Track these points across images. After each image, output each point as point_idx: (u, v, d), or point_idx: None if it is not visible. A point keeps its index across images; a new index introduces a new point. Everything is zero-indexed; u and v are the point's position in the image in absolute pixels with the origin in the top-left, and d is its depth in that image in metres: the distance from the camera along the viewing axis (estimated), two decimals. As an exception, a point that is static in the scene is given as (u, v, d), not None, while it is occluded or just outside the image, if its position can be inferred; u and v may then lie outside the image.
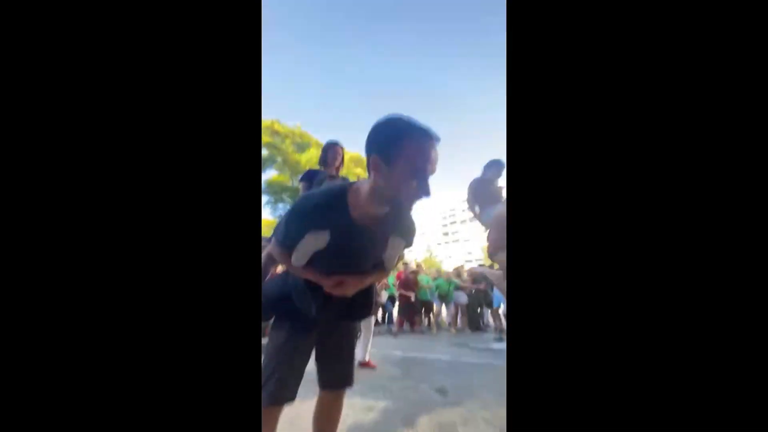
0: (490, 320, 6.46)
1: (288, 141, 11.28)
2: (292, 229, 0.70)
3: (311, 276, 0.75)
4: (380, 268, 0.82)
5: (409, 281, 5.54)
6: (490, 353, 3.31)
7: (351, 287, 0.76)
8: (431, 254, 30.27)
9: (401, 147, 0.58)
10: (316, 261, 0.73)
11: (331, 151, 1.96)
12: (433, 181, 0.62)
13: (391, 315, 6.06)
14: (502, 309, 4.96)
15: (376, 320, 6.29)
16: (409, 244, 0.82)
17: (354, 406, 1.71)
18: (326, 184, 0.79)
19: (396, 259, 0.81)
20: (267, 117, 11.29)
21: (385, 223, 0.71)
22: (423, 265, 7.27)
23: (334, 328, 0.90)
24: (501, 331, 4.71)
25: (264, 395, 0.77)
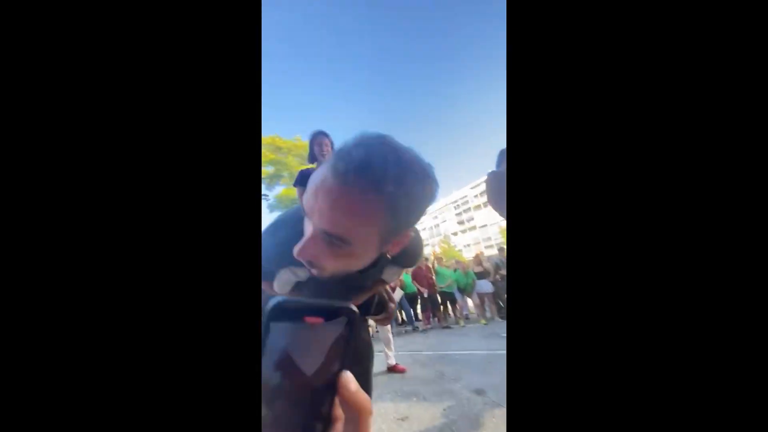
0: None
1: (291, 155, 11.32)
2: (265, 262, 0.58)
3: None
4: (378, 281, 0.69)
5: (421, 272, 5.34)
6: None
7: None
8: (448, 244, 29.98)
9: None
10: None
11: (317, 144, 1.80)
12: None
13: (409, 314, 5.81)
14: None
15: (398, 320, 6.11)
16: (411, 265, 0.70)
17: (386, 416, 1.59)
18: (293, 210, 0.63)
19: (397, 276, 0.71)
20: (264, 133, 11.42)
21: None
22: (442, 257, 7.10)
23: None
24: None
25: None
